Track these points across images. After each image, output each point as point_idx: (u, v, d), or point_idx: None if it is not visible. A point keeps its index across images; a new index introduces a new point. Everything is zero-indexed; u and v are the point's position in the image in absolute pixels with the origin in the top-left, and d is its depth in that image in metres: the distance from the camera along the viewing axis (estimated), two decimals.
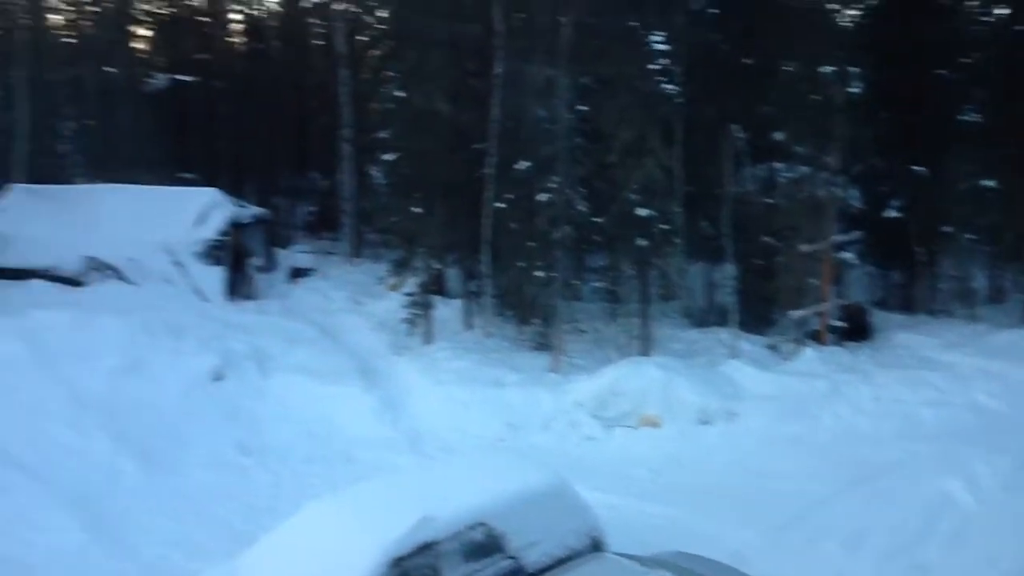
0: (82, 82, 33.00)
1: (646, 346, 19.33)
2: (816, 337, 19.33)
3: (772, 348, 19.28)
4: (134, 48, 36.72)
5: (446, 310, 21.88)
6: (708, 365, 17.80)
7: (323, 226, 35.54)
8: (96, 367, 16.01)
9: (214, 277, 22.89)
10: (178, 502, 12.94)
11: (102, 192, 25.15)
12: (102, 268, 22.15)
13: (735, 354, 18.26)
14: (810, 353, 18.18)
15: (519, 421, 15.91)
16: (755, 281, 20.77)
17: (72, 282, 21.45)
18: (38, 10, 34.51)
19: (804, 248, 18.97)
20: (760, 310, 20.62)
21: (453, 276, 23.74)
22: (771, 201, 21.17)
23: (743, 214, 20.82)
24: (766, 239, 20.44)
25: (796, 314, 19.08)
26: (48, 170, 29.44)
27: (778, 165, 21.64)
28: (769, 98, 20.45)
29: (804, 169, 20.18)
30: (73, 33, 36.54)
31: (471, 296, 22.07)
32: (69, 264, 21.67)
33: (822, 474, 12.48)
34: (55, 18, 36.98)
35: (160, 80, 34.95)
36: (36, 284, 21.45)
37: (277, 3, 39.07)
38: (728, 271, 21.03)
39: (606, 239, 20.76)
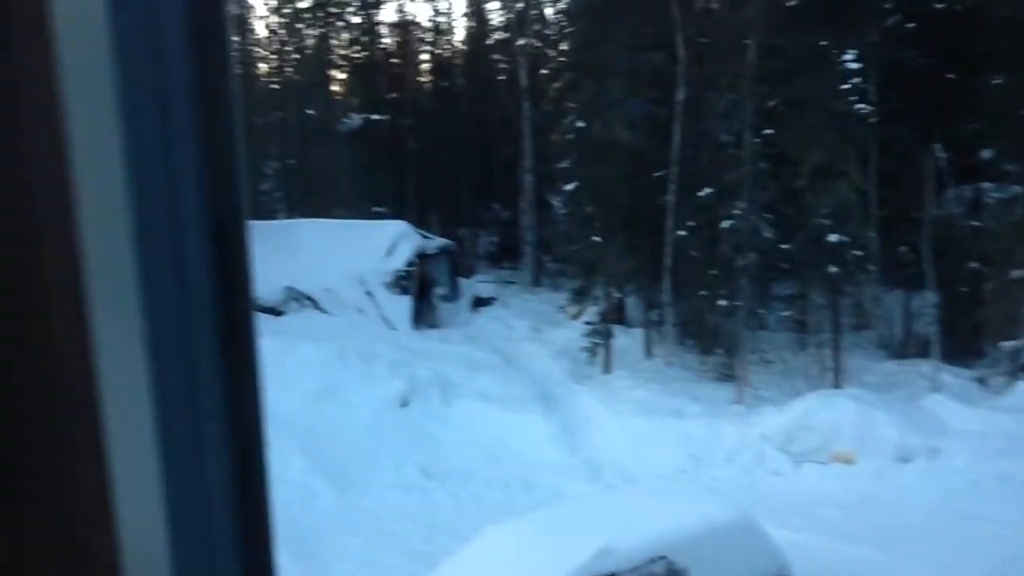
0: (284, 124, 35.38)
1: (838, 378, 18.40)
2: None
3: (980, 381, 17.92)
4: (332, 91, 38.97)
5: (626, 339, 21.68)
6: (907, 399, 16.72)
7: (505, 256, 36.28)
8: (294, 392, 16.82)
9: (401, 306, 23.71)
10: (366, 522, 13.40)
11: (301, 226, 26.64)
12: (300, 298, 23.37)
13: (937, 387, 17.07)
14: None
15: (701, 453, 15.49)
16: (960, 310, 19.46)
17: (273, 311, 22.65)
18: (249, 59, 37.38)
19: (1017, 274, 17.56)
20: (966, 341, 19.27)
21: (633, 305, 23.53)
22: (978, 224, 19.79)
23: (945, 238, 19.57)
24: (972, 264, 19.11)
25: (1008, 345, 17.66)
26: (253, 207, 31.64)
27: (986, 185, 20.25)
28: (976, 114, 19.16)
29: (1016, 188, 18.79)
30: (278, 79, 39.24)
31: (652, 325, 21.80)
32: (271, 295, 22.90)
33: None
34: (262, 66, 39.97)
35: (354, 120, 36.90)
36: (256, 314, 22.76)
37: (462, 42, 40.48)
38: (929, 299, 19.75)
39: (794, 266, 20.02)
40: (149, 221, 0.67)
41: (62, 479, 0.67)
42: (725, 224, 19.10)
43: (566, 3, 32.16)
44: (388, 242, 24.92)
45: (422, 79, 39.57)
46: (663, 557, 8.07)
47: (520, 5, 34.46)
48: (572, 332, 22.03)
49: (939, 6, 22.63)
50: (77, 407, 0.65)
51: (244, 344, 0.77)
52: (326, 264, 23.72)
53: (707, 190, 20.49)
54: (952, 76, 21.55)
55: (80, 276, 0.63)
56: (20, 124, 0.63)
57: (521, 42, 32.81)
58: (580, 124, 21.80)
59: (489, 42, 39.10)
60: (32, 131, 0.63)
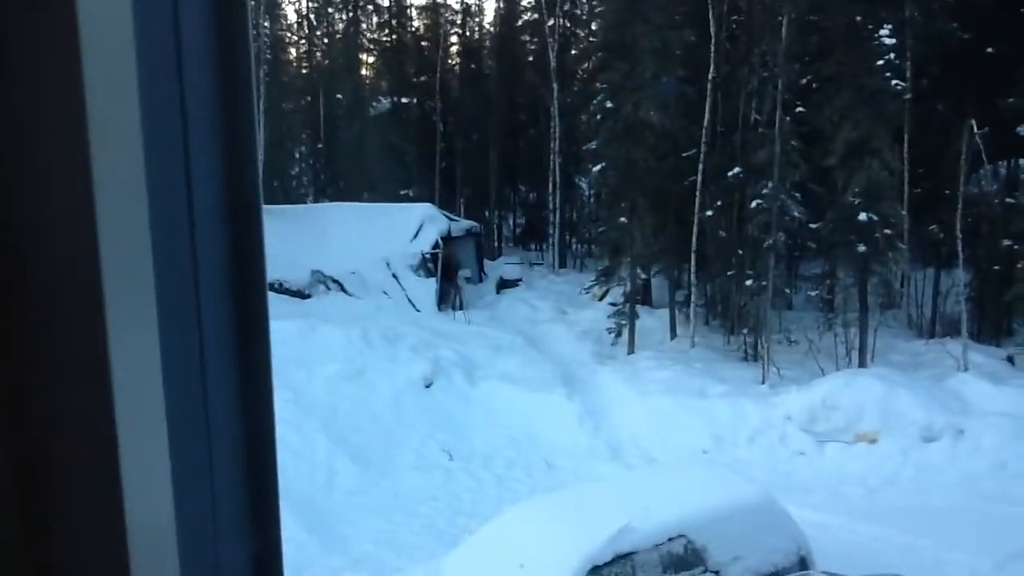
0: (314, 108, 35.56)
1: (864, 357, 18.15)
2: None
3: (1009, 361, 17.57)
4: (361, 75, 39.03)
5: (651, 319, 21.56)
6: (934, 378, 16.43)
7: (531, 237, 36.27)
8: (318, 373, 16.94)
9: (427, 288, 23.79)
10: (388, 501, 13.49)
11: (328, 210, 26.81)
12: (326, 281, 23.52)
13: (965, 367, 16.75)
14: None
15: (724, 433, 15.38)
16: (991, 288, 19.09)
17: (299, 294, 22.86)
18: (280, 45, 37.53)
19: None
20: (996, 320, 18.93)
21: (659, 285, 23.40)
22: (1012, 201, 19.39)
23: (979, 216, 19.19)
24: (1006, 242, 18.70)
25: None
26: (282, 191, 31.92)
27: (1023, 162, 19.80)
28: (1016, 89, 18.71)
29: None
30: (307, 64, 39.41)
31: (677, 305, 21.65)
32: (297, 278, 23.12)
33: None
34: (292, 51, 40.16)
35: (383, 104, 36.98)
36: (268, 296, 22.93)
37: (491, 23, 40.37)
38: (959, 278, 19.37)
39: (822, 245, 19.76)
40: (165, 203, 0.68)
41: (71, 462, 0.68)
42: (753, 204, 18.88)
43: None
44: (414, 225, 24.99)
45: (451, 62, 39.50)
46: (682, 536, 8.08)
47: None
48: (597, 313, 21.97)
49: None
50: (88, 388, 0.66)
51: (256, 327, 0.79)
52: (353, 247, 23.86)
53: (736, 169, 20.29)
54: (992, 50, 21.08)
55: (95, 258, 0.64)
56: (39, 107, 0.64)
57: (551, 23, 32.59)
58: (609, 105, 21.58)
59: (518, 23, 38.93)
60: (51, 114, 0.64)
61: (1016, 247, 18.29)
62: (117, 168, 0.64)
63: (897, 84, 18.42)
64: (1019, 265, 17.96)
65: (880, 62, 18.12)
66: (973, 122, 17.67)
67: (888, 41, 18.19)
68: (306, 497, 13.10)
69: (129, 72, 0.64)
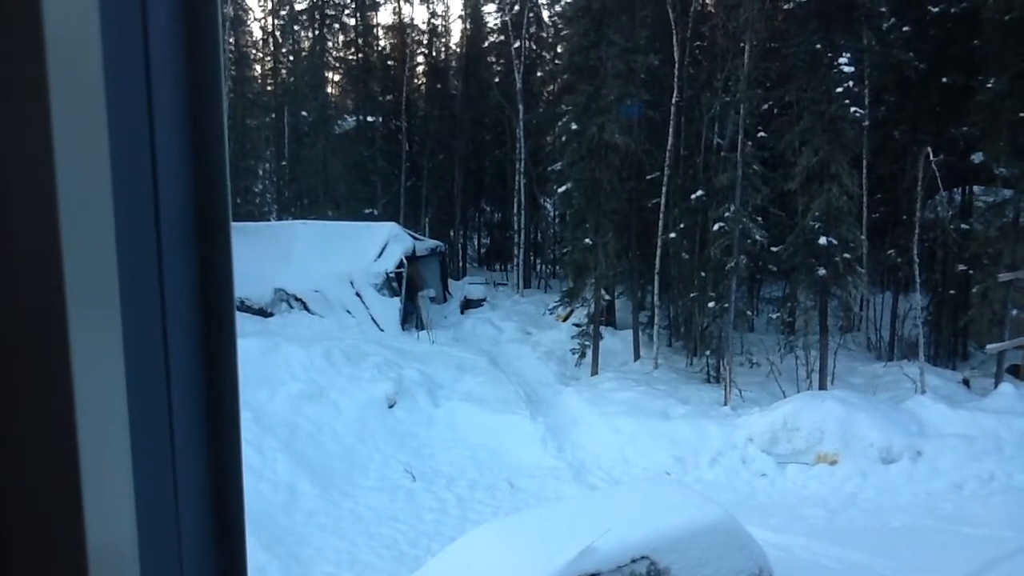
0: (279, 125, 35.40)
1: (824, 380, 18.37)
2: (1016, 372, 17.79)
3: (965, 383, 17.90)
4: (326, 93, 38.94)
5: (614, 341, 21.66)
6: (892, 401, 16.68)
7: (495, 257, 36.34)
8: (280, 392, 16.78)
9: (390, 308, 23.68)
10: (349, 523, 13.34)
11: (291, 227, 26.63)
12: (289, 299, 23.33)
13: (923, 389, 17.03)
14: (1008, 389, 16.66)
15: (686, 455, 15.45)
16: (948, 312, 19.44)
17: (262, 312, 22.65)
18: (245, 61, 37.34)
19: (1004, 277, 17.50)
20: (952, 343, 19.23)
21: (622, 306, 23.52)
22: (967, 227, 19.77)
23: (935, 241, 19.54)
24: (961, 267, 19.07)
25: (993, 347, 17.59)
26: (245, 208, 31.68)
27: (976, 189, 20.22)
28: (968, 118, 19.15)
29: (1006, 192, 18.75)
30: (272, 81, 39.25)
31: (640, 327, 21.79)
32: (260, 296, 22.92)
33: (1020, 521, 11.38)
34: (258, 68, 39.97)
35: (348, 122, 36.91)
36: (235, 313, 22.70)
37: (457, 44, 40.52)
38: (917, 302, 19.74)
39: (783, 268, 20.01)
40: (131, 218, 0.67)
41: (30, 480, 0.65)
42: (716, 227, 19.09)
43: (562, 6, 32.23)
44: (378, 244, 24.90)
45: (417, 81, 39.58)
46: (645, 557, 8.07)
47: (516, 8, 34.50)
48: (561, 334, 22.03)
49: (934, 10, 22.68)
50: (50, 404, 0.64)
51: (223, 343, 0.78)
52: (316, 265, 23.72)
53: (699, 192, 20.52)
54: (946, 80, 21.59)
55: (58, 273, 0.61)
56: (3, 117, 0.61)
57: (517, 45, 32.81)
58: (574, 126, 21.72)
59: (485, 45, 39.15)
60: (15, 124, 0.61)
61: (971, 272, 18.67)
62: (82, 183, 0.62)
63: (856, 111, 18.74)
64: (974, 290, 18.35)
65: (839, 89, 18.43)
66: (929, 149, 18.04)
67: (847, 69, 18.52)
68: (266, 517, 12.92)
69: (96, 84, 0.63)
